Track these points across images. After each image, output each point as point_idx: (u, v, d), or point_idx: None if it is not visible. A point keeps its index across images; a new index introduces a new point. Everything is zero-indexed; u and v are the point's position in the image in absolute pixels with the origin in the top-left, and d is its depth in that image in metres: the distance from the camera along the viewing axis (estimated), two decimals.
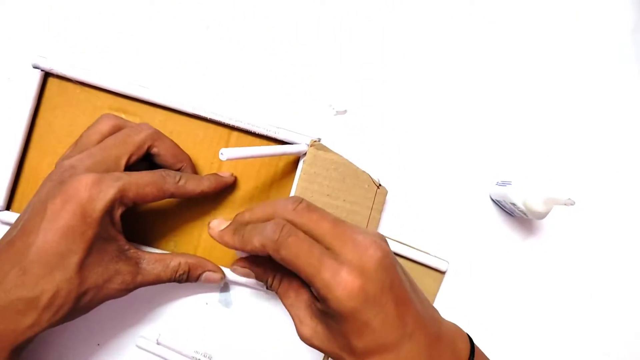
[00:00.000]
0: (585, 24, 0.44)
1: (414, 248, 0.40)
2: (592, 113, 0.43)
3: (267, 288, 0.34)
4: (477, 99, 0.42)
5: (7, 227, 0.36)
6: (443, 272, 0.41)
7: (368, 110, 0.41)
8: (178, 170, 0.36)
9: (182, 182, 0.34)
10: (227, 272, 0.38)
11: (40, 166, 0.38)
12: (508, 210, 0.40)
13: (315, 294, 0.29)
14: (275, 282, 0.33)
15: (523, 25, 0.43)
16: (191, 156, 0.38)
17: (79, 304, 0.31)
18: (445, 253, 0.41)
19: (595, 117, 0.43)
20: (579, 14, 0.44)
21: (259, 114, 0.40)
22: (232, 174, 0.38)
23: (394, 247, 0.40)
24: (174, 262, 0.35)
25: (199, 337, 0.39)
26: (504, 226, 0.42)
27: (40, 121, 0.38)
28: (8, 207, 0.38)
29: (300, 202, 0.30)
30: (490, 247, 0.42)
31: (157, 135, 0.35)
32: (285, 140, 0.38)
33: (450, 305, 0.41)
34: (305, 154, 0.38)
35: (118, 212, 0.31)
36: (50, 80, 0.38)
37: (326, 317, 0.29)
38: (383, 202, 0.40)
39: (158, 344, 0.39)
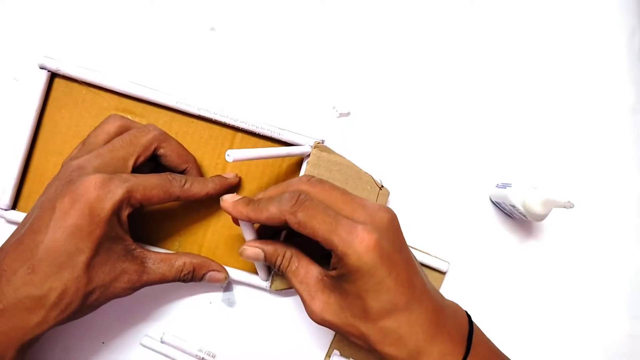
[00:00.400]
0: (585, 29, 0.44)
1: (415, 249, 0.41)
2: (592, 117, 0.44)
3: (276, 269, 0.33)
4: (478, 101, 0.43)
5: (14, 226, 0.36)
6: (444, 273, 0.41)
7: (371, 112, 0.42)
8: (184, 170, 0.37)
9: (187, 186, 0.35)
10: (231, 271, 0.38)
11: (46, 166, 0.38)
12: (508, 212, 0.41)
13: (333, 253, 0.29)
14: (285, 262, 0.33)
15: (524, 28, 0.44)
16: (196, 157, 0.38)
17: (86, 303, 0.31)
18: (446, 254, 0.41)
19: (594, 120, 0.44)
20: (578, 18, 0.44)
21: (263, 116, 0.41)
22: (236, 175, 0.39)
23: None
24: (178, 262, 0.35)
25: (202, 335, 0.40)
26: (503, 228, 0.42)
27: (46, 121, 0.38)
28: (14, 206, 0.38)
29: (312, 177, 0.32)
30: (490, 248, 0.42)
31: (164, 136, 0.35)
32: (289, 142, 0.39)
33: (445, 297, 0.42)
34: (308, 155, 0.38)
35: (125, 212, 0.32)
36: (57, 80, 0.38)
37: (340, 281, 0.30)
38: (385, 203, 0.40)
39: (162, 342, 0.39)
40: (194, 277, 0.36)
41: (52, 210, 0.30)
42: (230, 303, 0.40)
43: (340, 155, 0.39)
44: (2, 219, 0.38)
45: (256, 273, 0.38)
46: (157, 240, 0.39)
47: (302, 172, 0.39)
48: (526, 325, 0.42)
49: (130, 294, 0.33)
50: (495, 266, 0.42)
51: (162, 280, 0.34)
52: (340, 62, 0.42)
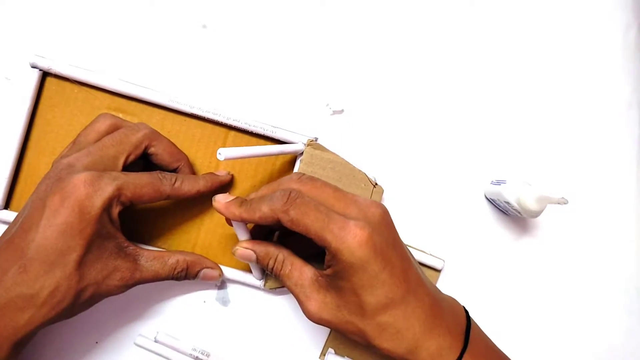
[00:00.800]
0: (581, 28, 0.44)
1: (409, 246, 0.41)
2: (586, 114, 0.44)
3: (269, 272, 0.33)
4: (472, 98, 0.43)
5: (6, 226, 0.36)
6: (439, 270, 0.41)
7: (365, 110, 0.42)
8: (175, 169, 0.37)
9: (178, 184, 0.35)
10: (225, 270, 0.38)
11: (38, 165, 0.38)
12: (502, 209, 0.41)
13: (326, 250, 0.29)
14: (277, 265, 0.32)
15: (520, 27, 0.44)
16: (188, 155, 0.38)
17: (78, 301, 0.31)
18: (441, 251, 0.41)
19: (588, 117, 0.44)
20: (574, 17, 0.44)
21: (256, 114, 0.41)
22: (228, 173, 0.39)
23: None
24: (172, 260, 0.35)
25: (196, 334, 0.40)
26: (498, 224, 0.42)
27: (38, 120, 0.38)
28: (7, 205, 0.38)
29: (303, 175, 0.32)
30: (485, 245, 0.42)
31: (155, 135, 0.35)
32: (282, 140, 0.39)
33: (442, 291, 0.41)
34: (302, 153, 0.38)
35: (116, 210, 0.31)
36: (49, 79, 0.38)
37: (335, 279, 0.30)
38: (379, 201, 0.40)
39: (156, 341, 0.39)
40: (187, 274, 0.36)
41: (42, 208, 0.30)
42: (224, 302, 0.40)
43: (333, 153, 0.39)
44: None
45: (250, 271, 0.38)
46: (150, 238, 0.39)
47: (295, 170, 0.38)
48: (522, 321, 0.42)
49: (123, 291, 0.33)
50: (490, 263, 0.42)
51: (156, 278, 0.34)
52: (333, 59, 0.42)
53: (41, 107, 0.38)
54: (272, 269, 0.33)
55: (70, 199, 0.29)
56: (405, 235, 0.41)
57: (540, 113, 0.43)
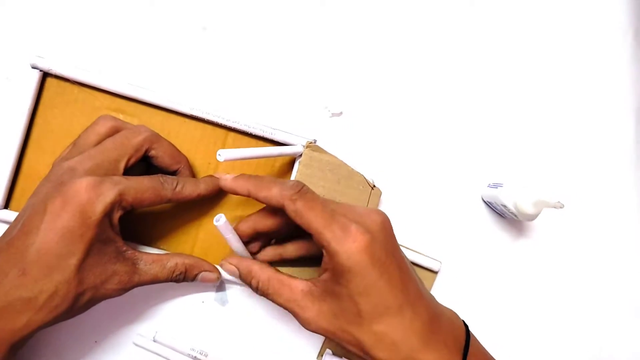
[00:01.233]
0: (579, 31, 0.44)
1: (407, 248, 0.41)
2: (583, 117, 0.44)
3: (254, 291, 0.34)
4: (470, 102, 0.43)
5: (6, 226, 0.36)
6: (436, 272, 0.41)
7: (363, 112, 0.42)
8: (175, 171, 0.37)
9: (179, 188, 0.35)
10: (223, 272, 0.38)
11: (38, 165, 0.38)
12: (499, 212, 0.41)
13: (324, 250, 0.29)
14: (262, 285, 0.33)
15: (518, 29, 0.44)
16: (188, 157, 0.38)
17: (76, 304, 0.31)
18: (438, 253, 0.42)
19: (585, 121, 0.44)
20: (572, 21, 0.44)
21: (255, 115, 0.41)
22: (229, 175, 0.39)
23: None
24: (171, 263, 0.35)
25: (195, 334, 0.40)
26: (495, 227, 0.43)
27: (38, 121, 0.38)
28: (6, 205, 0.38)
29: (304, 186, 0.32)
30: (482, 248, 0.42)
31: (155, 137, 0.35)
32: (281, 142, 0.39)
33: (443, 304, 0.42)
34: (300, 155, 0.38)
35: (117, 215, 0.31)
36: (49, 80, 0.38)
37: (332, 284, 0.30)
38: (377, 203, 0.40)
39: (155, 341, 0.39)
40: (186, 277, 0.36)
41: (43, 212, 0.30)
42: (223, 302, 0.40)
43: (332, 155, 0.39)
44: None
45: None
46: (149, 241, 0.39)
47: (294, 172, 0.39)
48: (518, 323, 0.43)
49: (121, 294, 0.33)
50: (487, 265, 0.42)
51: (154, 281, 0.35)
52: (332, 61, 0.42)
53: (41, 107, 0.38)
54: (257, 288, 0.33)
55: (71, 204, 0.29)
56: (403, 236, 0.41)
57: (537, 116, 0.43)
